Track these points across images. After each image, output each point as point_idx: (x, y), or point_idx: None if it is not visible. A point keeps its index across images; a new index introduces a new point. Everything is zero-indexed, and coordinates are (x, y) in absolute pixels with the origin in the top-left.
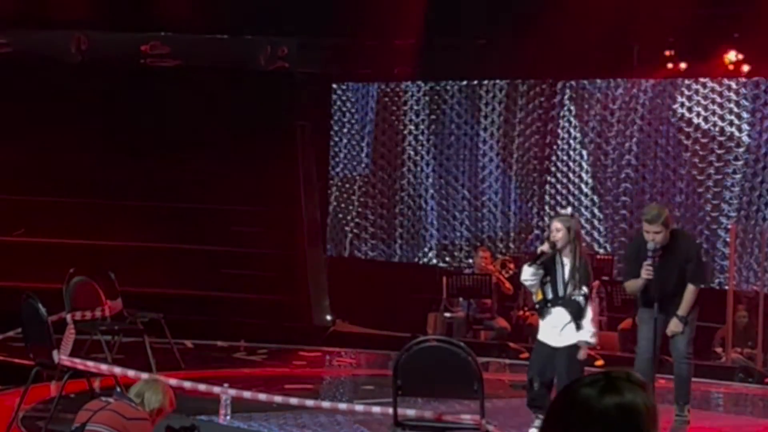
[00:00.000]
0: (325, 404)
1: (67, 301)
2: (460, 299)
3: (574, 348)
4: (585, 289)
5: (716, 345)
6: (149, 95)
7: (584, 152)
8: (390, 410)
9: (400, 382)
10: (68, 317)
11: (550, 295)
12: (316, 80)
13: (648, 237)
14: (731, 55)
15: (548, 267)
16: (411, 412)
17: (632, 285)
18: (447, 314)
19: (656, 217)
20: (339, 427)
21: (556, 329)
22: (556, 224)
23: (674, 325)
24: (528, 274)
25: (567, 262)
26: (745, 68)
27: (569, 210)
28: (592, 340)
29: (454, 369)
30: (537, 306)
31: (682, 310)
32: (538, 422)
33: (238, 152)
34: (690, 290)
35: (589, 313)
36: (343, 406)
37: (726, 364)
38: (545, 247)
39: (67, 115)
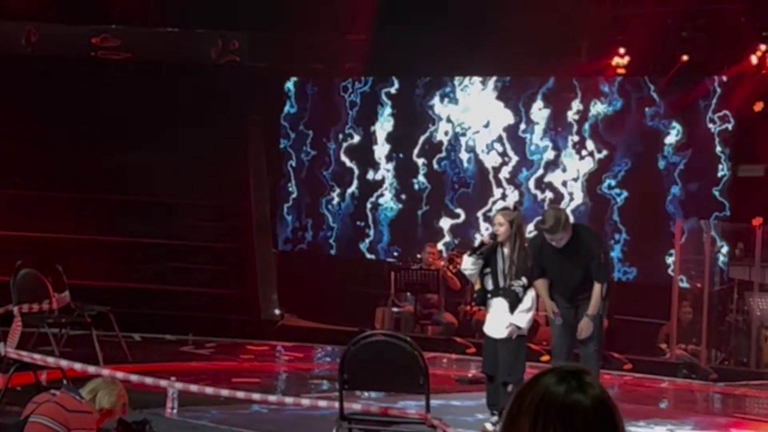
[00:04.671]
0: (272, 398)
1: (14, 293)
2: (408, 294)
3: (517, 340)
4: (524, 280)
5: (661, 341)
6: (99, 88)
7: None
8: (336, 404)
9: (346, 376)
10: (15, 310)
11: (490, 286)
12: (268, 74)
13: (554, 244)
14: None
15: (489, 258)
16: (357, 406)
17: (539, 288)
18: (395, 309)
19: (556, 225)
20: (287, 422)
21: (497, 321)
22: (499, 218)
23: (585, 325)
24: (468, 263)
25: (507, 253)
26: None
27: (511, 203)
28: (523, 326)
29: (400, 363)
30: (475, 296)
31: (592, 309)
32: (494, 418)
33: (188, 145)
34: (597, 288)
35: (528, 302)
36: (289, 399)
37: (670, 360)
38: (486, 237)
39: (15, 107)
